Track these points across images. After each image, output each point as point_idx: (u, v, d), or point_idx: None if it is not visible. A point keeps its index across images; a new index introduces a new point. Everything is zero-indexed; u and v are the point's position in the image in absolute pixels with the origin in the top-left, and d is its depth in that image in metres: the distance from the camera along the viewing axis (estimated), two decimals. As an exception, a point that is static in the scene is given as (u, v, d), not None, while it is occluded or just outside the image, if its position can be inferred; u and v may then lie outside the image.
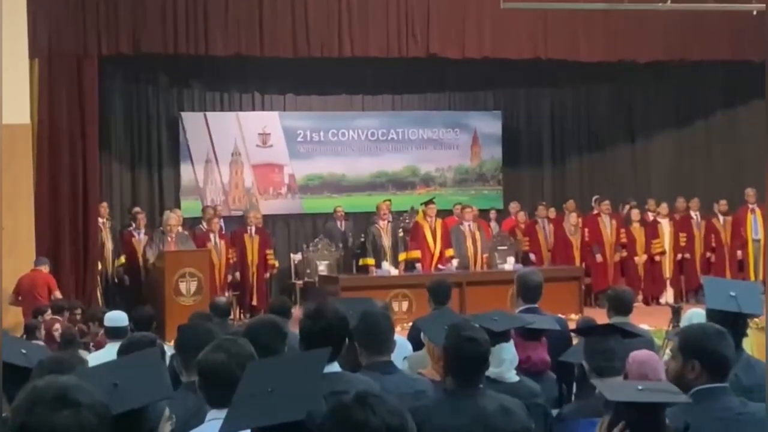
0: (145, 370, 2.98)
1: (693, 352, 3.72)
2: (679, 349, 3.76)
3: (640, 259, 16.02)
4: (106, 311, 9.22)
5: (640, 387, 3.36)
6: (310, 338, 4.10)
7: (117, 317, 7.53)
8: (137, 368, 2.97)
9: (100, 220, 14.10)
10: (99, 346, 8.16)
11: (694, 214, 16.42)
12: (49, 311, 10.60)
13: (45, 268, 12.32)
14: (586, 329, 4.88)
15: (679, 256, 16.21)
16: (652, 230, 16.19)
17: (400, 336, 6.68)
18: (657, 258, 16.13)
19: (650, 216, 16.46)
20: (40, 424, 2.04)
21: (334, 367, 4.08)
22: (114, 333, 7.12)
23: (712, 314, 4.58)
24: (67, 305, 11.19)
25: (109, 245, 14.43)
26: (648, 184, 18.19)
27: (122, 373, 2.75)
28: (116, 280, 14.43)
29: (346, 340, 4.29)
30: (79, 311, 11.33)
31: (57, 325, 9.87)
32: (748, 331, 4.73)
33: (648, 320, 10.58)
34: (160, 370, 3.08)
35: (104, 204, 14.55)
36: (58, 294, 12.04)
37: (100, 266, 13.87)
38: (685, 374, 3.70)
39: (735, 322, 4.39)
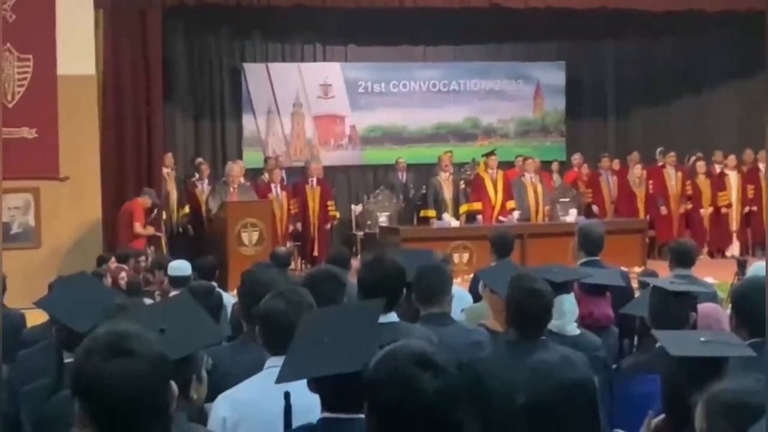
0: (190, 314, 2.99)
1: (734, 306, 3.70)
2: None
3: (706, 211, 15.83)
4: (171, 259, 9.35)
5: (703, 338, 3.32)
6: (367, 288, 4.12)
7: (181, 266, 7.65)
8: (182, 313, 2.98)
9: (165, 170, 14.24)
10: (164, 294, 8.28)
11: (762, 167, 16.13)
12: (114, 259, 10.74)
13: (142, 199, 12.74)
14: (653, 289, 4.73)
15: (746, 208, 15.99)
16: (718, 182, 15.97)
17: (460, 288, 6.69)
18: (723, 210, 15.92)
19: (717, 168, 16.24)
20: (93, 372, 2.06)
21: (392, 317, 4.10)
22: (178, 282, 7.23)
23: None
24: (132, 253, 11.35)
25: (173, 195, 14.59)
26: (714, 136, 17.89)
27: (168, 318, 2.76)
28: (180, 230, 14.59)
29: (404, 290, 4.31)
30: (143, 259, 11.48)
31: (123, 274, 10.01)
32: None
33: (713, 273, 10.45)
34: (204, 314, 3.09)
35: (169, 154, 14.67)
36: (138, 226, 12.46)
37: (164, 216, 14.02)
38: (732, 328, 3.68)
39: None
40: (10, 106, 12.06)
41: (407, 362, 2.21)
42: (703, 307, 4.44)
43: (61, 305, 4.12)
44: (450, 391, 2.20)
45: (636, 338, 5.37)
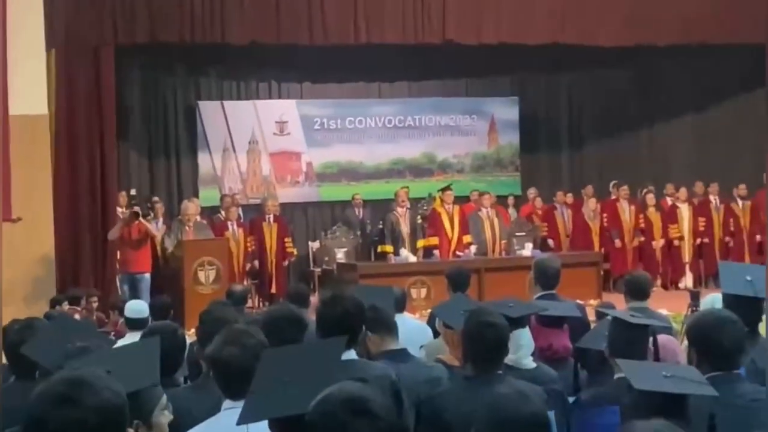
0: (139, 357, 2.97)
1: (691, 340, 3.74)
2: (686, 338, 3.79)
3: (657, 243, 15.98)
4: (125, 300, 9.26)
5: (665, 373, 3.34)
6: (326, 326, 4.11)
7: (138, 308, 7.55)
8: (132, 356, 2.97)
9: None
10: (119, 335, 8.19)
11: (713, 199, 16.33)
12: (66, 302, 10.62)
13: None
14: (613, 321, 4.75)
15: (698, 240, 16.15)
16: (670, 215, 16.14)
17: (422, 323, 6.71)
18: (676, 243, 16.08)
19: (669, 201, 16.42)
20: (39, 418, 2.05)
21: (351, 354, 4.09)
22: (135, 324, 7.14)
23: (728, 299, 4.57)
24: (83, 294, 11.23)
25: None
26: (667, 169, 18.09)
27: (117, 361, 2.74)
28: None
29: (363, 328, 4.30)
30: (95, 299, 11.36)
31: (76, 316, 9.91)
32: (765, 316, 4.70)
33: (667, 305, 10.54)
34: (154, 358, 3.07)
35: (123, 193, 14.57)
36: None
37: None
38: (690, 362, 3.71)
39: (751, 307, 4.38)
40: (-38, 146, 11.94)
41: (342, 408, 2.21)
42: (659, 338, 4.48)
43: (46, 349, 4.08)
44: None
45: (591, 371, 5.39)
